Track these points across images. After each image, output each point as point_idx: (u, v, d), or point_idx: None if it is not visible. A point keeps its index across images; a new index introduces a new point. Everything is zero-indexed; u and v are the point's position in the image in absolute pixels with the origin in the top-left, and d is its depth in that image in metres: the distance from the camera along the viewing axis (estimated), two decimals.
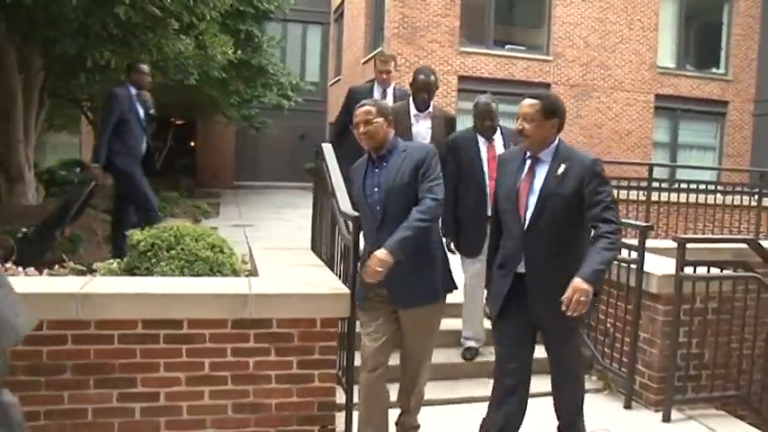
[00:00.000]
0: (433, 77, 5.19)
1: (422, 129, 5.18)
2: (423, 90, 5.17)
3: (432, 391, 4.18)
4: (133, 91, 6.73)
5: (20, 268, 5.06)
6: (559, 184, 3.33)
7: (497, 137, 4.98)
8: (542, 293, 3.36)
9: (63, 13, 6.81)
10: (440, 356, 4.42)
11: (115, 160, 6.51)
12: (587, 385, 4.98)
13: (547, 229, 3.34)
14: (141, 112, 6.75)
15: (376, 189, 3.61)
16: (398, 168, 3.56)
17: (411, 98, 5.27)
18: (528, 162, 3.45)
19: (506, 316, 3.48)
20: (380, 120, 3.60)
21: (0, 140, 9.51)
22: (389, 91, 5.97)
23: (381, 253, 3.36)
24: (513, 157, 3.57)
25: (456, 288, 3.80)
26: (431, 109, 5.26)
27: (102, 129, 6.63)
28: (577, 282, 3.10)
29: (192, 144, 24.97)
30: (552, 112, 3.39)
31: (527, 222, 3.38)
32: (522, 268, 3.42)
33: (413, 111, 5.23)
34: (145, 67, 6.96)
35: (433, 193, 3.49)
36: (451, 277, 3.75)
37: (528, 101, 3.42)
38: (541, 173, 3.39)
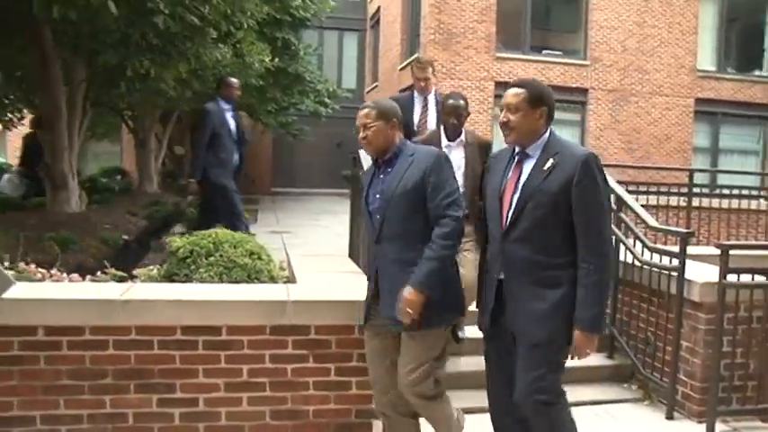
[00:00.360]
0: (462, 102, 4.76)
1: (455, 159, 4.53)
2: (451, 114, 4.71)
3: (470, 399, 4.14)
4: (224, 105, 6.86)
5: (64, 274, 5.16)
6: (545, 180, 2.96)
7: None
8: (520, 307, 3.03)
9: (105, 24, 6.95)
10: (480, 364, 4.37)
11: (209, 173, 6.66)
12: (627, 395, 4.95)
13: (529, 230, 2.98)
14: (233, 126, 6.87)
15: (378, 196, 3.33)
16: (402, 175, 3.25)
17: (442, 126, 4.85)
18: (516, 158, 3.13)
19: (489, 330, 3.22)
20: (379, 123, 3.32)
21: (46, 149, 9.75)
22: (431, 98, 5.63)
23: (408, 292, 3.08)
24: (502, 156, 3.25)
25: (461, 314, 3.40)
26: (463, 137, 4.76)
27: (198, 145, 6.79)
28: (580, 338, 2.93)
29: None
30: (539, 99, 3.04)
31: (507, 222, 3.05)
32: (501, 274, 3.10)
33: (444, 141, 4.75)
34: (234, 81, 7.12)
35: (452, 210, 3.15)
36: (457, 301, 3.35)
37: (512, 90, 3.09)
38: (528, 169, 3.06)
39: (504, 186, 3.10)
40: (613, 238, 5.34)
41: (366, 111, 3.37)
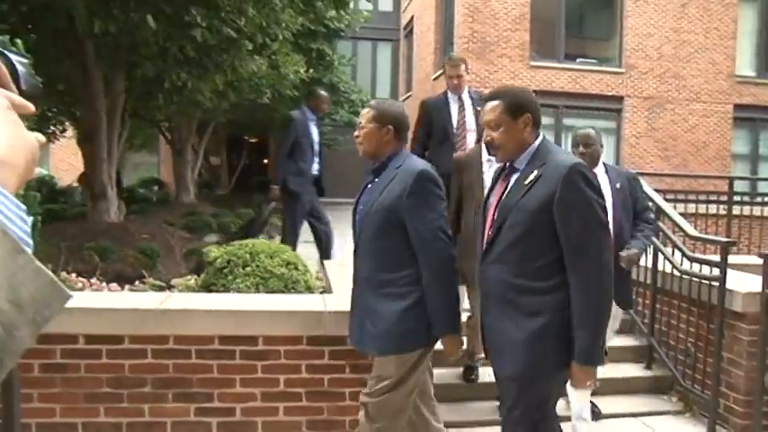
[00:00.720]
0: None
1: None
2: None
3: None
4: (309, 115, 6.99)
5: (103, 284, 5.25)
6: (523, 196, 2.63)
7: (600, 172, 4.18)
8: (497, 336, 2.74)
9: (144, 38, 7.08)
10: None
11: (288, 181, 6.78)
12: (667, 407, 4.86)
13: (506, 251, 2.66)
14: (316, 136, 7.00)
15: (361, 207, 3.13)
16: (383, 189, 2.99)
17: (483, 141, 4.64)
18: (506, 171, 2.85)
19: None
20: (373, 125, 3.08)
21: (85, 160, 9.95)
22: (465, 97, 5.44)
23: (443, 342, 2.99)
24: (499, 168, 2.99)
25: (423, 346, 2.98)
26: None
27: (279, 152, 6.91)
28: (576, 371, 2.61)
29: (266, 161, 25.47)
30: (519, 107, 2.72)
31: (486, 242, 2.78)
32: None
33: (485, 155, 4.38)
34: (324, 95, 7.34)
35: (438, 241, 2.89)
36: (419, 331, 2.95)
37: (488, 104, 2.77)
38: (512, 183, 2.77)
39: (489, 202, 2.87)
40: (652, 247, 5.29)
41: (366, 110, 3.18)
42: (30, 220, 0.64)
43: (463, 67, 5.46)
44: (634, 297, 5.54)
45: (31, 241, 0.62)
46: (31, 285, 0.57)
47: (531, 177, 2.63)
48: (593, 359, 2.59)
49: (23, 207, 0.63)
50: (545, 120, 17.35)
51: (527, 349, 2.60)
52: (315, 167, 6.97)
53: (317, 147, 6.99)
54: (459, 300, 3.03)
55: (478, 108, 5.07)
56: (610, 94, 16.80)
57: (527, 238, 2.61)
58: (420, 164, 3.04)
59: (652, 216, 4.67)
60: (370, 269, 3.02)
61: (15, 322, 0.56)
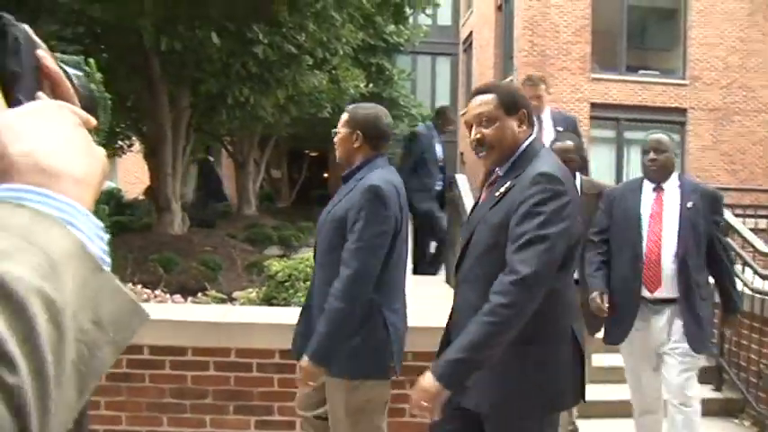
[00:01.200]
0: (569, 143, 4.02)
1: None
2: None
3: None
4: (434, 132, 7.08)
5: (167, 295, 5.36)
6: (490, 209, 2.34)
7: (671, 186, 3.73)
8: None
9: (208, 54, 7.26)
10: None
11: (412, 198, 6.76)
12: (740, 431, 4.68)
13: (471, 269, 2.39)
14: (440, 152, 7.08)
15: (323, 216, 2.97)
16: (340, 200, 2.84)
17: None
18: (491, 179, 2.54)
19: None
20: (345, 131, 2.88)
21: (151, 173, 10.21)
22: (545, 117, 5.12)
23: (300, 363, 2.73)
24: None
25: (367, 377, 2.75)
26: (578, 185, 3.84)
27: (402, 167, 6.94)
28: (421, 378, 2.24)
29: (326, 175, 25.71)
30: (514, 102, 2.39)
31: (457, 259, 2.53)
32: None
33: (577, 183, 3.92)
34: (452, 117, 7.47)
35: (346, 264, 2.64)
36: (379, 360, 2.75)
37: (478, 98, 2.41)
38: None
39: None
40: None
41: (343, 114, 2.98)
42: (106, 237, 0.64)
43: (543, 86, 5.14)
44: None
45: (108, 259, 0.62)
46: (112, 305, 0.58)
47: (504, 188, 2.32)
48: (452, 378, 2.18)
49: (101, 224, 0.63)
50: (606, 133, 17.07)
51: (492, 383, 2.31)
52: (438, 184, 7.03)
53: (441, 163, 7.04)
54: (353, 333, 2.68)
55: (560, 129, 4.88)
56: (673, 106, 16.43)
57: (490, 255, 2.30)
58: (375, 178, 2.76)
59: (728, 248, 4.01)
60: (323, 281, 2.82)
61: (98, 342, 0.56)
